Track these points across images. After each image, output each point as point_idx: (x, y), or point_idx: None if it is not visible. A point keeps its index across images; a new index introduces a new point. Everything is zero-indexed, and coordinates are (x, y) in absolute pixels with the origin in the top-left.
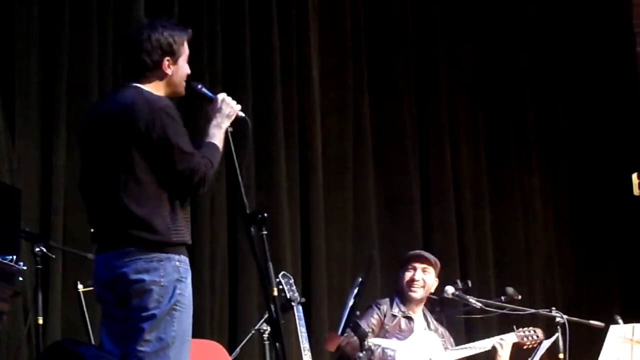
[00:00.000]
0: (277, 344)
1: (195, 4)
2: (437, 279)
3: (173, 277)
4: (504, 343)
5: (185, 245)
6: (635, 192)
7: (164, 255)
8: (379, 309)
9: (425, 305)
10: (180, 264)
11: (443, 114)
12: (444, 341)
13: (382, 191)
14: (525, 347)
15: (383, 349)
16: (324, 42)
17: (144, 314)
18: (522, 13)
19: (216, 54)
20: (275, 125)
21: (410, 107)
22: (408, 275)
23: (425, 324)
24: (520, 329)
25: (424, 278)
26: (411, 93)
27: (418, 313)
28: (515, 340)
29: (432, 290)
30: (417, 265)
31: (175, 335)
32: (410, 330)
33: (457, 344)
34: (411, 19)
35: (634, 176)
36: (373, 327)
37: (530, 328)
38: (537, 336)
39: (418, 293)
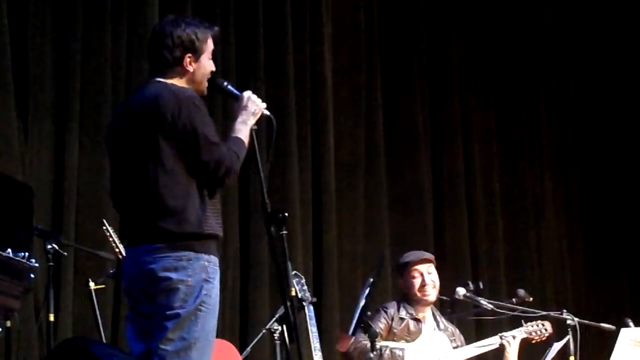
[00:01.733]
0: (292, 344)
1: (208, 4)
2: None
3: (201, 277)
4: (511, 340)
5: (216, 239)
6: None
7: (192, 255)
8: (386, 312)
9: (434, 304)
10: (209, 264)
11: (456, 114)
12: (454, 339)
13: (394, 191)
14: (533, 341)
15: (391, 349)
16: (337, 42)
17: (169, 312)
18: (536, 13)
19: (229, 52)
20: (288, 124)
21: (423, 107)
22: (416, 282)
23: (435, 324)
24: (529, 323)
25: (432, 279)
26: (424, 93)
27: (427, 313)
28: (524, 335)
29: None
30: (421, 268)
31: (198, 336)
32: (419, 332)
33: (467, 344)
34: (425, 17)
35: None
36: (381, 331)
37: (539, 322)
38: (546, 329)
39: (432, 295)
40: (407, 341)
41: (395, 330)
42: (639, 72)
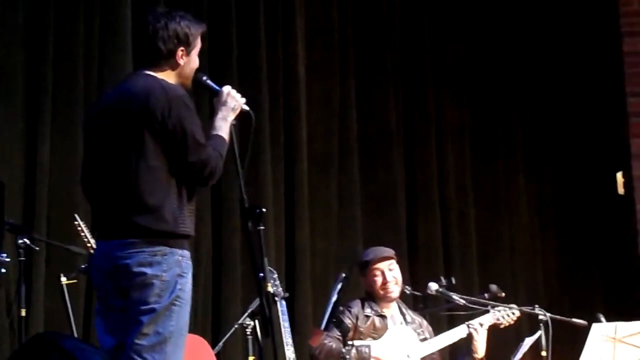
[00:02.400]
0: (267, 338)
1: (181, 2)
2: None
3: (175, 271)
4: (478, 327)
5: (188, 239)
6: (620, 190)
7: (167, 249)
8: (350, 312)
9: (400, 297)
10: (182, 259)
11: (429, 110)
12: (422, 331)
13: (367, 188)
14: (502, 326)
15: (357, 347)
16: (310, 38)
17: (144, 307)
18: (510, 11)
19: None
20: (261, 121)
21: (396, 104)
22: (378, 280)
23: (402, 317)
24: (496, 309)
25: (394, 275)
26: (398, 89)
27: (392, 308)
28: (492, 321)
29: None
30: (381, 266)
31: (173, 330)
32: (385, 328)
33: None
34: (399, 13)
35: (619, 175)
36: None
37: (506, 306)
38: (513, 313)
39: (395, 291)
40: (373, 338)
41: (361, 329)
42: (612, 68)
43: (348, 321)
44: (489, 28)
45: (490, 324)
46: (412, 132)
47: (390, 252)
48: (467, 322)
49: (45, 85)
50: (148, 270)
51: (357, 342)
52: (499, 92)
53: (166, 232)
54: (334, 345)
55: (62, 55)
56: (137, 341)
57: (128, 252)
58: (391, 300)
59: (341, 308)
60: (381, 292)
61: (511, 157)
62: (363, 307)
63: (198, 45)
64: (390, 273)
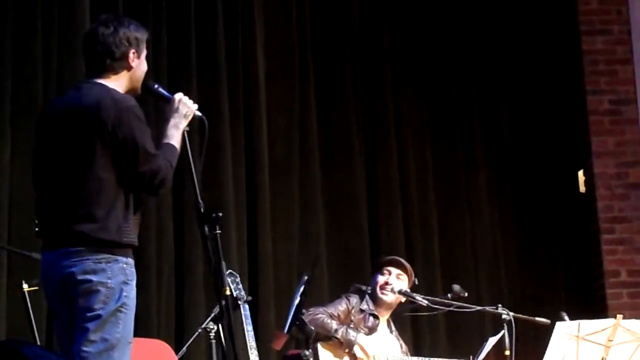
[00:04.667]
0: (227, 343)
1: (140, 3)
2: (409, 288)
3: (120, 279)
4: None
5: (132, 248)
6: (581, 189)
7: (112, 257)
8: (348, 300)
9: (392, 316)
10: (127, 267)
11: (389, 111)
12: (402, 346)
13: (328, 189)
14: None
15: (347, 328)
16: (269, 40)
17: (89, 314)
18: (469, 8)
19: (161, 52)
20: (221, 124)
21: (356, 105)
22: (382, 278)
23: (388, 330)
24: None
25: (398, 285)
26: (357, 90)
27: (385, 317)
28: None
29: (403, 300)
30: (393, 270)
31: (119, 337)
32: (375, 328)
33: (404, 342)
34: (357, 16)
35: (580, 173)
36: (340, 313)
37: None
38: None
39: (389, 297)
40: (363, 333)
41: (353, 318)
42: (572, 66)
43: (344, 305)
44: (447, 25)
45: None
46: (372, 135)
47: (408, 266)
48: None
49: (4, 89)
50: (93, 278)
51: (349, 327)
52: (458, 90)
53: (110, 241)
54: (326, 319)
55: (21, 58)
56: (84, 348)
57: (73, 261)
58: (383, 303)
59: (341, 295)
60: (378, 291)
61: (472, 156)
62: (361, 301)
63: (145, 50)
64: (395, 279)
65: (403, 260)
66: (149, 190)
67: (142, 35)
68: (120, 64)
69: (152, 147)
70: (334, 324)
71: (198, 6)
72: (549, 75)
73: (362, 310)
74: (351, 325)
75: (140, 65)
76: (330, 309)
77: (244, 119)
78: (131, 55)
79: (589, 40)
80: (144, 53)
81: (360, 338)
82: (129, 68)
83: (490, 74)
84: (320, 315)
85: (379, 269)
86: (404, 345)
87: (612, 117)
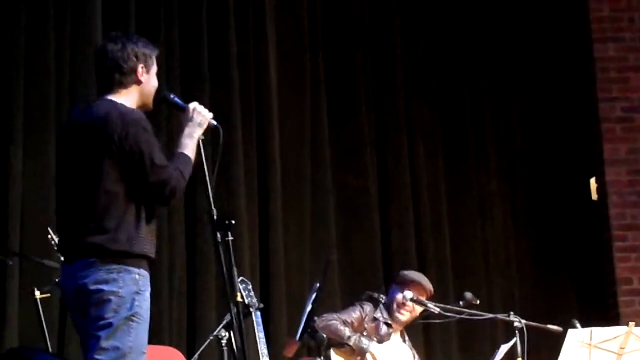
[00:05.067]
0: (238, 349)
1: (152, 10)
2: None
3: (132, 289)
4: None
5: (148, 260)
6: (594, 196)
7: (123, 267)
8: (362, 308)
9: (406, 328)
10: (139, 278)
11: (401, 116)
12: (414, 356)
13: (340, 195)
14: None
15: (360, 336)
16: (281, 46)
17: (102, 322)
18: (483, 16)
19: (174, 59)
20: (234, 130)
21: (368, 110)
22: (401, 297)
23: (402, 340)
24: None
25: (416, 308)
26: (369, 94)
27: (399, 327)
28: None
29: (415, 319)
30: (417, 293)
31: (132, 346)
32: (388, 337)
33: (417, 353)
34: (369, 20)
35: (592, 181)
36: (353, 321)
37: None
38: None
39: (405, 317)
40: (376, 341)
41: (366, 326)
42: (584, 74)
43: (358, 313)
44: (460, 31)
45: None
46: (384, 139)
47: (430, 288)
48: None
49: (17, 98)
50: (105, 287)
51: (362, 335)
52: (470, 97)
53: (121, 252)
54: (339, 326)
55: (34, 67)
56: (96, 357)
57: (86, 272)
58: (398, 321)
59: (354, 302)
60: (396, 308)
61: (484, 164)
62: (376, 310)
63: (155, 66)
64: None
65: (428, 283)
66: (160, 201)
67: (152, 52)
68: (129, 78)
69: (161, 158)
70: (347, 331)
71: (210, 11)
72: (561, 82)
73: (375, 319)
74: (364, 334)
75: (150, 80)
76: (344, 316)
77: (256, 124)
78: (140, 70)
79: (601, 48)
80: (154, 69)
81: (372, 346)
82: (139, 83)
83: (502, 81)
84: (333, 322)
85: (401, 285)
86: (417, 356)
87: (625, 124)
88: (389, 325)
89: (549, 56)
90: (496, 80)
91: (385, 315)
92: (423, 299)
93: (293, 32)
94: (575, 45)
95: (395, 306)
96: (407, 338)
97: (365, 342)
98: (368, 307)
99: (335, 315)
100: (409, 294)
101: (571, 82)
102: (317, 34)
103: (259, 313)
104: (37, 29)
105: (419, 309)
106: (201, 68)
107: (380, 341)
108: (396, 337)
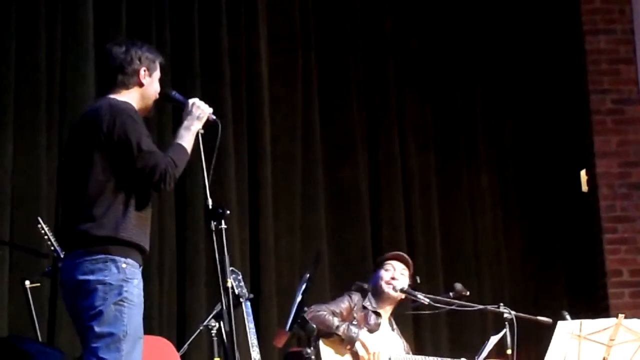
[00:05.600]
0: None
1: (143, 7)
2: (411, 285)
3: (119, 276)
4: None
5: (136, 248)
6: (584, 188)
7: (109, 257)
8: (350, 298)
9: (393, 313)
10: (126, 266)
11: (392, 110)
12: (405, 345)
13: (330, 188)
14: None
15: (348, 325)
16: (272, 39)
17: (92, 312)
18: (473, 8)
19: (165, 51)
20: (225, 122)
21: (359, 103)
22: (387, 274)
23: (390, 328)
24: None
25: (400, 280)
26: (360, 89)
27: (386, 314)
28: None
29: (403, 297)
30: (397, 265)
31: (126, 330)
32: (377, 326)
33: (405, 340)
34: (361, 16)
35: (583, 173)
36: (342, 311)
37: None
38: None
39: (392, 292)
40: (366, 329)
41: (355, 315)
42: (575, 66)
43: (346, 303)
44: (450, 25)
45: None
46: (375, 132)
47: (410, 262)
48: None
49: (7, 87)
50: (91, 277)
51: (350, 324)
52: (461, 91)
53: (105, 237)
54: (327, 316)
55: (24, 58)
56: (92, 345)
57: (74, 262)
58: (387, 297)
59: (343, 293)
60: (384, 286)
61: (474, 156)
62: (363, 298)
63: (158, 71)
64: (400, 276)
65: (405, 255)
66: (150, 186)
67: (155, 57)
68: (131, 79)
69: (148, 144)
70: (335, 321)
71: (201, 3)
72: (552, 74)
73: (364, 308)
74: (354, 322)
75: (152, 83)
76: (332, 306)
77: (247, 115)
78: (142, 72)
79: (592, 40)
80: (156, 74)
81: (362, 334)
82: (141, 84)
83: (493, 74)
84: (322, 312)
85: (381, 265)
86: (405, 343)
87: (615, 116)
88: (377, 314)
89: (540, 49)
90: (487, 73)
91: (374, 304)
92: (409, 283)
93: (284, 28)
94: (566, 37)
95: (381, 284)
96: (395, 326)
97: (354, 330)
98: (356, 297)
99: (323, 306)
100: (398, 284)
101: (562, 74)
102: (309, 29)
103: (248, 303)
104: (28, 27)
105: (406, 281)
106: (192, 60)
107: (370, 331)
108: (385, 325)
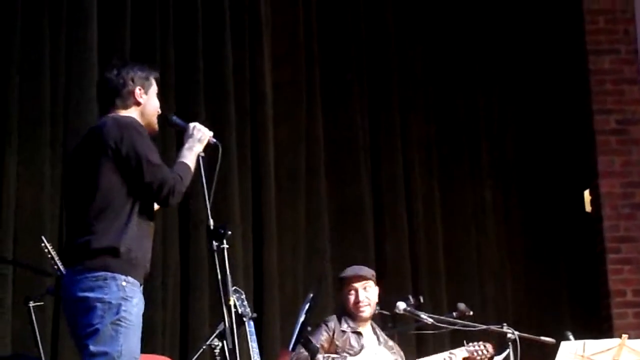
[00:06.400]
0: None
1: (148, 18)
2: (377, 287)
3: (118, 295)
4: (454, 357)
5: (137, 265)
6: (587, 208)
7: (109, 274)
8: (327, 326)
9: (373, 319)
10: (126, 284)
11: (395, 126)
12: (394, 353)
13: (334, 204)
14: None
15: (330, 358)
16: (276, 55)
17: (89, 329)
18: (477, 27)
19: (169, 67)
20: (228, 139)
21: (362, 120)
22: (351, 298)
23: (375, 338)
24: (470, 344)
25: (367, 296)
26: (364, 105)
27: (367, 328)
28: (466, 355)
29: (377, 300)
30: (357, 285)
31: (121, 351)
32: (361, 346)
33: (407, 359)
34: (364, 29)
35: (586, 193)
36: (323, 343)
37: (480, 342)
38: (487, 351)
39: (367, 312)
40: (349, 354)
41: (337, 342)
42: (579, 85)
43: (325, 334)
44: (456, 43)
45: (464, 356)
46: (378, 148)
47: (367, 272)
48: (440, 354)
49: (12, 103)
50: (90, 295)
51: (334, 356)
52: (465, 107)
53: (105, 248)
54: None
55: (29, 72)
56: None
57: (74, 279)
58: (363, 319)
59: (319, 322)
60: (353, 310)
61: (478, 173)
62: (340, 322)
63: (154, 87)
64: (363, 293)
65: (361, 271)
66: (158, 201)
67: (149, 74)
68: (128, 101)
69: (158, 159)
70: (319, 358)
71: (205, 20)
72: (556, 94)
73: (343, 332)
74: (337, 351)
75: (149, 100)
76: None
77: (251, 132)
78: (137, 91)
79: (596, 60)
80: (152, 89)
81: None
82: (138, 104)
83: (498, 92)
84: (303, 354)
85: (343, 288)
86: (395, 347)
87: (619, 136)
88: (358, 334)
89: (544, 68)
90: (491, 90)
91: (352, 324)
92: (375, 287)
93: (288, 41)
94: (570, 56)
95: (351, 308)
96: (382, 338)
97: None
98: (332, 323)
99: (302, 354)
100: (401, 305)
101: (566, 94)
102: (312, 42)
103: (252, 322)
104: (33, 46)
105: (374, 297)
106: (196, 77)
107: (355, 353)
108: (369, 341)
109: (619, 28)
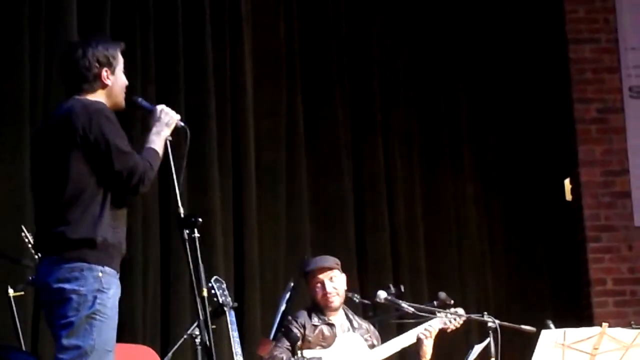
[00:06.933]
0: (203, 344)
1: (128, 12)
2: (343, 274)
3: (94, 287)
4: (427, 333)
5: (114, 252)
6: (568, 197)
7: (85, 265)
8: (297, 322)
9: (345, 303)
10: (102, 275)
11: (377, 119)
12: (369, 336)
13: (315, 196)
14: (449, 330)
15: (308, 359)
16: (257, 48)
17: (63, 321)
18: (457, 18)
19: (149, 60)
20: (209, 131)
21: (344, 112)
22: (319, 291)
23: (348, 323)
24: (442, 312)
25: (334, 286)
26: (345, 99)
27: (339, 316)
28: (440, 325)
29: (346, 288)
30: (322, 277)
31: (94, 344)
32: (334, 337)
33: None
34: (345, 25)
35: (567, 182)
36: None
37: (452, 309)
38: (459, 316)
39: (336, 302)
40: (322, 347)
41: (309, 338)
42: (559, 75)
43: (296, 331)
44: (435, 33)
45: (438, 328)
46: (360, 142)
47: (331, 262)
48: (415, 328)
49: None
50: (66, 286)
51: (306, 353)
52: (445, 100)
53: (82, 239)
54: (284, 357)
55: (7, 69)
56: (58, 355)
57: (50, 269)
58: (334, 309)
59: (289, 318)
60: (322, 302)
61: (459, 165)
62: (310, 316)
63: (120, 62)
64: (330, 284)
65: (324, 261)
66: (128, 189)
67: (114, 51)
68: (95, 84)
69: (127, 146)
70: (292, 359)
71: (185, 13)
72: (536, 83)
73: (314, 325)
74: (310, 347)
75: (116, 80)
76: (285, 343)
77: (231, 125)
78: (104, 74)
79: (576, 49)
80: (119, 67)
81: None
82: (104, 86)
83: (478, 82)
84: (279, 356)
85: (309, 281)
86: (370, 329)
87: (599, 125)
88: (330, 325)
89: (525, 57)
90: (471, 81)
91: (322, 316)
92: (342, 274)
93: (269, 35)
94: (550, 45)
95: (320, 300)
96: (356, 324)
97: None
98: (302, 318)
99: (278, 349)
100: (382, 294)
101: (546, 83)
102: (293, 36)
103: (232, 312)
104: (11, 33)
105: (342, 285)
106: (177, 70)
107: (328, 344)
108: (341, 330)
109: (599, 17)
